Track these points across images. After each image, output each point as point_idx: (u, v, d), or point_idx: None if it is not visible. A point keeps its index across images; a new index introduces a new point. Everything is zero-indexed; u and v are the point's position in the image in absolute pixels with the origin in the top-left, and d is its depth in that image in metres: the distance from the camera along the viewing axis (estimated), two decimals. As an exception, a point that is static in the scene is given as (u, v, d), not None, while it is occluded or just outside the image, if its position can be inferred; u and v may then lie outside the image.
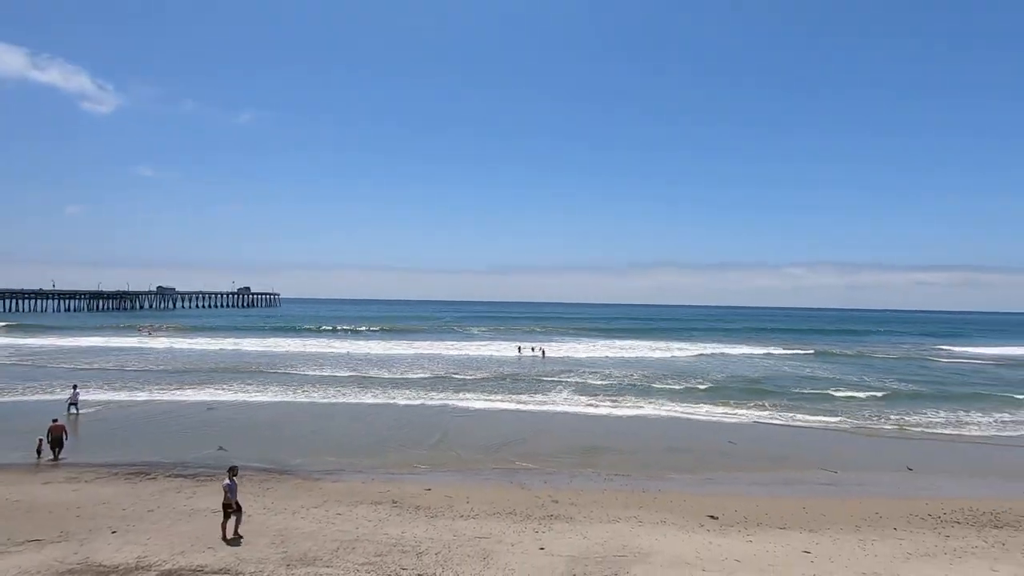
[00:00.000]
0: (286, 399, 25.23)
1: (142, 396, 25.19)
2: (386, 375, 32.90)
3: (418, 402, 25.08)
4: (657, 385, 30.83)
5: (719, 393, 28.52)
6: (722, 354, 49.82)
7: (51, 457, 15.58)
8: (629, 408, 24.49)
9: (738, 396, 27.64)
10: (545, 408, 24.32)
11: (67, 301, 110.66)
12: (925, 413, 24.47)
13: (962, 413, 24.54)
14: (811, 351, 53.93)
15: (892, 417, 23.56)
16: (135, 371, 33.17)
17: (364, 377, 31.88)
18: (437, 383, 30.28)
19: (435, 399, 25.75)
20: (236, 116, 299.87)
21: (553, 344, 56.05)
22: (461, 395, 26.75)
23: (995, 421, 23.29)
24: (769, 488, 14.39)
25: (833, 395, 28.66)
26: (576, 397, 26.88)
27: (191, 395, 25.66)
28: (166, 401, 24.31)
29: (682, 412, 23.87)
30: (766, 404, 25.68)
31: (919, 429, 21.74)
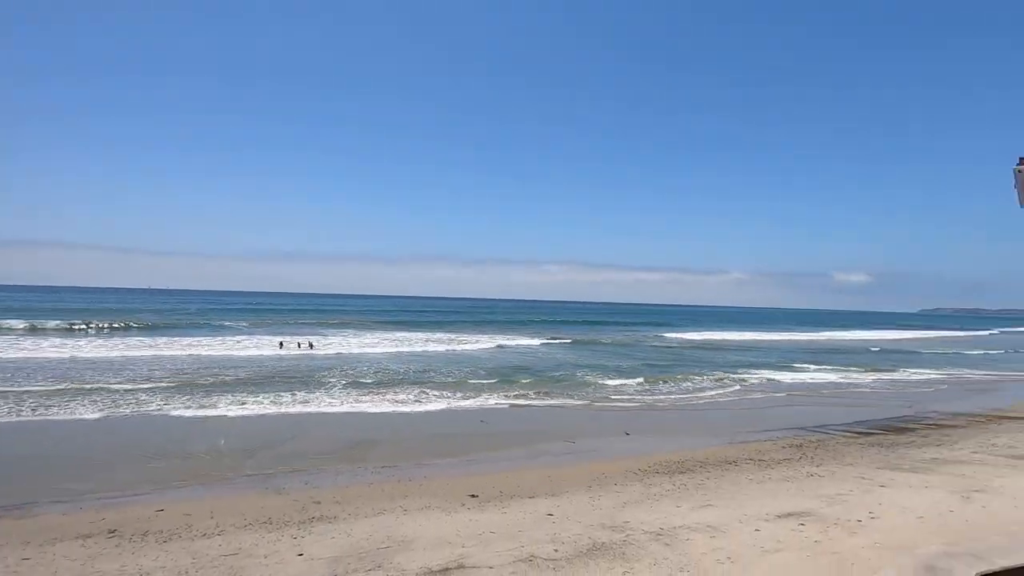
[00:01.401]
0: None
1: None
2: (112, 384, 27.12)
3: (155, 411, 21.32)
4: (430, 377, 31.62)
5: (487, 381, 30.60)
6: (494, 346, 53.49)
7: None
8: (401, 402, 24.63)
9: (503, 383, 30.04)
10: (310, 408, 22.95)
11: None
12: (645, 386, 30.05)
13: (661, 384, 30.83)
14: (568, 340, 61.50)
15: (621, 391, 28.34)
16: None
17: (76, 389, 25.78)
18: (181, 388, 26.15)
19: (178, 407, 22.20)
20: None
21: (323, 337, 53.20)
22: (211, 399, 23.57)
23: (687, 390, 29.75)
24: (521, 462, 16.01)
25: (579, 377, 33.16)
26: (346, 393, 25.98)
27: None
28: None
29: (452, 401, 24.95)
30: (525, 390, 28.42)
31: (640, 400, 26.55)
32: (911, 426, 22.30)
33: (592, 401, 26.15)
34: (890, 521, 10.88)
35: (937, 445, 18.35)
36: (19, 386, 25.61)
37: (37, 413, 20.39)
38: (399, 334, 62.64)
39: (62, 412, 20.73)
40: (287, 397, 24.60)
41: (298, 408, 22.72)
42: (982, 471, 14.59)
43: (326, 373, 31.72)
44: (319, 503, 12.16)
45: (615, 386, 30.42)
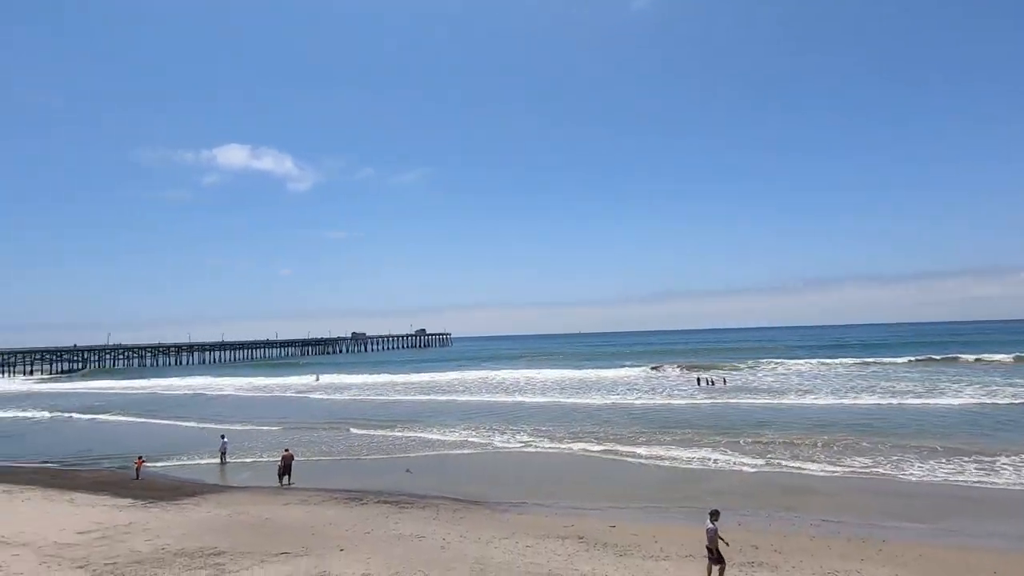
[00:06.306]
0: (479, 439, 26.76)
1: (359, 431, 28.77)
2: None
3: (596, 451, 24.91)
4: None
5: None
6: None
7: (286, 482, 18.41)
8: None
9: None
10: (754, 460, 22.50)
11: (285, 348, 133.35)
12: None
13: None
14: None
15: None
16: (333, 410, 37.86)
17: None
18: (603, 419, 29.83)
19: (597, 450, 25.37)
20: (402, 176, 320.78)
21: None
22: (643, 439, 26.00)
23: None
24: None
25: None
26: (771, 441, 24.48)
27: (399, 432, 28.56)
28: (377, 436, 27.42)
29: (906, 457, 20.40)
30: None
31: None
32: None
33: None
34: None
35: None
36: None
37: (491, 437, 26.60)
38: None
39: (499, 439, 26.52)
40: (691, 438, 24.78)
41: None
42: None
43: (737, 417, 30.74)
44: (756, 548, 11.58)
45: None
